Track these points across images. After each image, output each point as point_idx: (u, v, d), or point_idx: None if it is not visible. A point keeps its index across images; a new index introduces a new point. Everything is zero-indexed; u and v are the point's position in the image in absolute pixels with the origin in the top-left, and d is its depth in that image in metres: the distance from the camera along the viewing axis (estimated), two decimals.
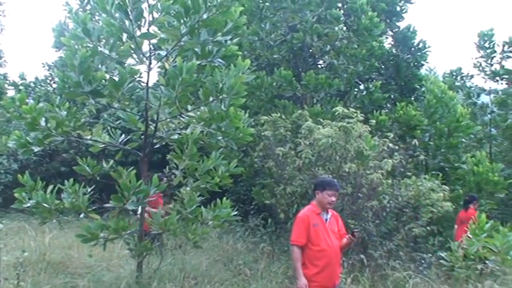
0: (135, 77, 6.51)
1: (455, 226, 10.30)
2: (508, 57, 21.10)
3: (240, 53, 6.95)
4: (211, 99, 6.42)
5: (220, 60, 6.70)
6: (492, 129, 21.09)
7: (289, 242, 5.46)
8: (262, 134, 9.80)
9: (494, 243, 7.08)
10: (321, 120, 9.54)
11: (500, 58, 21.30)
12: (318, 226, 5.39)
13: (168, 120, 7.08)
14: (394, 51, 15.13)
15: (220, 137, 6.87)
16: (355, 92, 13.62)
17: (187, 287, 6.83)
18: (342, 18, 12.65)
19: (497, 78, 20.93)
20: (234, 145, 7.17)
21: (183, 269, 7.56)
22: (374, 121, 10.47)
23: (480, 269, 6.98)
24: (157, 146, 7.38)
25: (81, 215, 6.45)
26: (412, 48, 15.02)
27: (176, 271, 7.37)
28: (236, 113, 6.80)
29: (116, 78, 6.23)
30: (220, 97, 6.38)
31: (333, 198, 5.49)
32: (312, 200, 5.67)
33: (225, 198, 7.20)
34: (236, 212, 7.48)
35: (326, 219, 5.54)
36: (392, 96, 14.84)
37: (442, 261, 7.66)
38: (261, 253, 9.13)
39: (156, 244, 9.39)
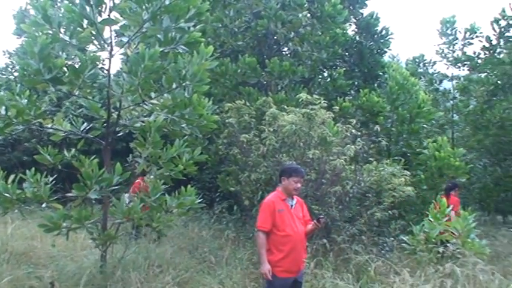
0: (97, 64, 6.43)
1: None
2: (470, 43, 21.46)
3: (204, 39, 6.90)
4: (174, 86, 6.38)
5: (184, 47, 6.64)
6: (454, 115, 21.47)
7: (255, 228, 5.48)
8: (227, 121, 9.78)
9: (455, 226, 7.24)
10: (285, 107, 9.55)
11: (462, 45, 21.69)
12: (284, 212, 5.44)
13: (131, 107, 7.01)
14: (358, 39, 15.26)
15: (184, 125, 6.82)
16: (319, 79, 13.69)
17: (151, 275, 6.80)
18: (305, 5, 12.67)
19: (459, 64, 21.29)
20: (198, 132, 7.13)
21: (147, 258, 7.52)
22: (338, 108, 10.55)
23: (441, 252, 7.10)
24: (120, 134, 7.31)
25: (44, 205, 6.35)
26: (375, 36, 15.17)
27: (141, 260, 7.32)
28: (200, 100, 6.77)
29: (77, 66, 6.14)
30: (184, 84, 6.35)
31: (299, 185, 5.56)
32: (278, 186, 5.70)
33: (189, 186, 7.19)
34: (201, 200, 7.48)
35: (291, 205, 5.59)
36: (356, 83, 14.97)
37: (404, 244, 7.79)
38: (226, 240, 9.13)
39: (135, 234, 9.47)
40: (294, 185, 5.51)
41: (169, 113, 6.60)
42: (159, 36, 6.48)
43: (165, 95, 6.58)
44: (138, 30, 6.38)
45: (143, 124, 6.73)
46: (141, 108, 7.02)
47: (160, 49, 6.27)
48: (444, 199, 10.01)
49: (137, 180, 9.17)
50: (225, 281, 6.85)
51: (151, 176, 6.79)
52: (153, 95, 6.65)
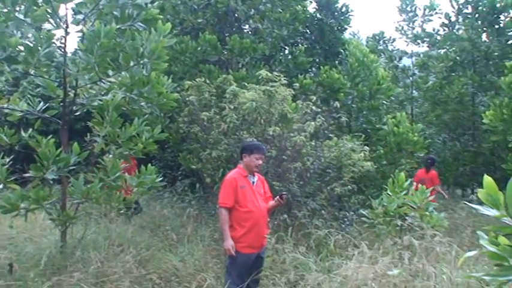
0: (53, 42, 6.31)
1: (414, 184, 10.79)
2: (429, 20, 21.73)
3: (161, 16, 6.81)
4: (132, 64, 6.31)
5: (141, 24, 6.56)
6: (413, 91, 21.75)
7: (217, 205, 5.51)
8: (187, 99, 9.71)
9: (413, 200, 7.38)
10: (246, 84, 9.53)
11: (422, 22, 21.94)
12: (245, 188, 5.52)
13: (88, 86, 6.91)
14: (318, 16, 15.24)
15: (143, 103, 6.76)
16: (280, 56, 13.65)
17: (112, 255, 6.76)
18: None
19: (419, 41, 21.57)
20: (158, 111, 7.09)
21: (108, 237, 7.48)
22: (298, 85, 10.59)
23: (400, 225, 7.24)
24: (78, 114, 7.20)
25: (1, 186, 6.25)
26: (336, 13, 15.17)
27: (101, 239, 7.28)
28: (159, 78, 6.72)
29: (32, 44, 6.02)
30: (141, 62, 6.28)
31: (260, 162, 5.68)
32: (239, 164, 5.75)
33: (150, 164, 7.16)
34: (163, 178, 7.46)
35: (253, 182, 5.68)
36: (316, 60, 14.99)
37: (363, 218, 7.92)
38: (188, 218, 9.13)
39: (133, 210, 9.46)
40: (256, 162, 5.61)
41: (127, 91, 6.52)
42: (115, 13, 6.38)
43: (123, 73, 6.50)
44: (94, 7, 6.28)
45: (101, 103, 6.64)
46: (98, 86, 6.93)
47: (117, 26, 6.18)
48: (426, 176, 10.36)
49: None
50: (186, 258, 6.87)
51: (110, 156, 6.72)
52: (110, 73, 6.57)
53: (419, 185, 7.72)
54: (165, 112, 10.09)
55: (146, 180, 6.85)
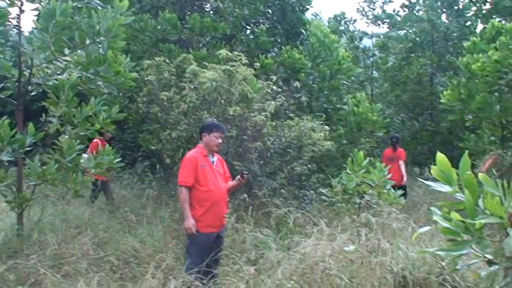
0: (8, 20, 6.16)
1: (383, 163, 10.96)
2: (390, 1, 21.92)
3: None
4: (88, 42, 6.19)
5: (98, 2, 6.44)
6: (374, 72, 21.95)
7: (177, 185, 5.48)
8: (146, 78, 9.59)
9: (371, 178, 7.47)
10: (206, 64, 9.46)
11: (382, 3, 22.05)
12: (206, 167, 5.52)
13: (44, 65, 6.75)
14: None
15: (100, 82, 6.65)
16: (242, 36, 13.57)
17: (69, 237, 6.69)
18: None
19: (379, 22, 21.69)
20: (116, 90, 6.98)
21: (65, 219, 7.40)
22: (259, 64, 10.55)
23: (358, 203, 7.34)
24: (34, 94, 7.04)
25: None
26: None
27: (58, 222, 7.19)
28: (116, 57, 6.61)
29: None
30: (98, 40, 6.17)
31: (220, 140, 5.69)
32: (199, 143, 5.72)
33: (108, 145, 7.07)
34: (123, 159, 7.39)
35: (213, 162, 5.70)
36: (278, 40, 14.94)
37: (323, 197, 7.99)
38: (147, 199, 9.08)
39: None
40: (216, 141, 5.61)
41: (83, 71, 6.40)
42: None
43: (79, 51, 6.38)
44: None
45: (56, 82, 6.50)
46: (54, 66, 6.77)
47: (73, 4, 6.05)
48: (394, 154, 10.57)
49: (95, 140, 9.10)
50: (145, 239, 6.83)
51: (66, 136, 6.60)
52: (66, 51, 6.43)
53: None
54: (123, 92, 9.97)
55: (104, 162, 6.75)
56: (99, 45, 6.25)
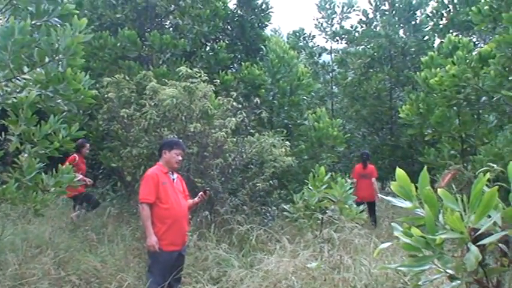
0: None
1: (354, 179, 11.46)
2: (348, 17, 22.23)
3: (78, 11, 6.62)
4: (47, 60, 6.12)
5: (57, 20, 6.37)
6: (333, 87, 22.20)
7: (138, 201, 5.44)
8: (106, 96, 9.52)
9: (333, 193, 7.53)
10: (166, 81, 9.45)
11: (340, 19, 22.36)
12: (167, 184, 5.52)
13: (3, 83, 6.65)
14: (239, 12, 15.28)
15: (59, 100, 6.57)
16: (202, 53, 13.58)
17: (29, 256, 6.59)
18: None
19: (337, 38, 21.97)
20: (75, 108, 6.90)
21: (25, 239, 7.28)
22: (219, 81, 10.58)
23: (320, 219, 7.39)
24: None
25: None
26: (256, 9, 15.22)
27: (18, 241, 7.07)
28: (75, 74, 6.55)
29: None
30: (57, 58, 6.11)
31: (180, 158, 5.71)
32: (159, 161, 5.72)
33: (68, 163, 6.98)
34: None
35: (173, 179, 5.67)
36: (238, 56, 15.02)
37: (285, 213, 8.02)
38: (108, 217, 8.99)
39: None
40: (176, 158, 5.63)
41: (42, 88, 6.32)
42: (30, 8, 6.18)
43: (38, 69, 6.30)
44: (8, 3, 6.07)
45: (15, 100, 6.40)
46: (13, 84, 6.68)
47: (32, 22, 5.99)
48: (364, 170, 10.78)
49: (72, 155, 9.19)
50: (107, 258, 6.76)
51: (26, 155, 6.50)
52: (25, 69, 6.35)
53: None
54: (83, 109, 9.86)
55: (63, 180, 6.66)
56: (59, 63, 6.18)
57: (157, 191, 5.43)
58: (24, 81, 6.37)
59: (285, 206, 8.14)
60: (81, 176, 9.42)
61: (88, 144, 10.18)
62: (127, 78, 9.88)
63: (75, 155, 9.27)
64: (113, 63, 12.01)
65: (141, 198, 5.43)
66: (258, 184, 8.85)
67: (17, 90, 6.59)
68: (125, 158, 9.28)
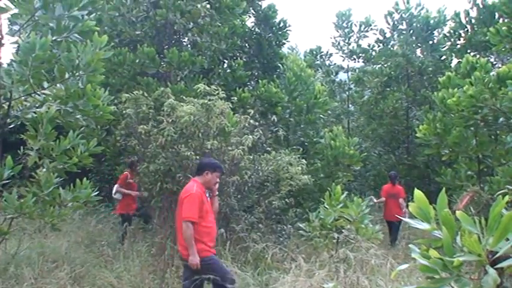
0: None
1: (383, 198, 11.88)
2: (365, 36, 22.25)
3: (98, 28, 6.71)
4: (67, 76, 6.20)
5: (77, 36, 6.46)
6: (350, 105, 22.19)
7: (184, 219, 5.45)
8: (124, 112, 9.59)
9: (349, 213, 7.50)
10: (184, 97, 9.50)
11: (357, 37, 22.40)
12: (206, 204, 5.65)
13: (23, 98, 6.74)
14: (257, 30, 15.38)
15: (79, 116, 6.65)
16: (219, 70, 13.67)
17: (45, 271, 6.62)
18: None
19: (354, 56, 22.01)
20: (94, 124, 6.98)
21: (42, 253, 7.32)
22: (236, 98, 10.63)
23: (336, 238, 7.36)
24: (12, 126, 7.01)
25: None
26: (274, 27, 15.34)
27: (34, 255, 7.12)
28: (95, 90, 6.63)
29: None
30: (77, 74, 6.19)
31: (218, 180, 5.98)
32: (196, 178, 5.81)
33: (85, 178, 7.03)
34: (99, 192, 7.35)
35: (208, 198, 5.84)
36: (255, 73, 15.10)
37: (301, 231, 7.99)
38: (124, 233, 9.02)
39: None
40: (215, 180, 5.87)
41: (62, 104, 6.40)
42: (51, 24, 6.27)
43: (58, 85, 6.38)
44: (30, 19, 6.15)
45: (35, 115, 6.49)
46: (33, 98, 6.77)
47: (53, 38, 6.08)
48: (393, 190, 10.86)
49: (125, 172, 9.35)
50: (122, 274, 6.78)
51: (44, 170, 6.56)
52: (45, 85, 6.43)
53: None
54: (101, 125, 9.94)
55: (81, 195, 6.71)
56: (78, 79, 6.26)
57: (201, 210, 5.52)
58: (44, 96, 6.46)
59: (300, 225, 8.11)
60: (136, 193, 9.63)
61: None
62: (145, 94, 9.94)
63: (126, 172, 9.44)
64: (131, 80, 12.12)
65: (187, 217, 5.44)
66: (273, 202, 8.84)
67: (37, 105, 6.69)
68: (142, 174, 9.32)
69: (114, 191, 10.07)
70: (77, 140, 6.61)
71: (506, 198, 2.60)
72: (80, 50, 6.08)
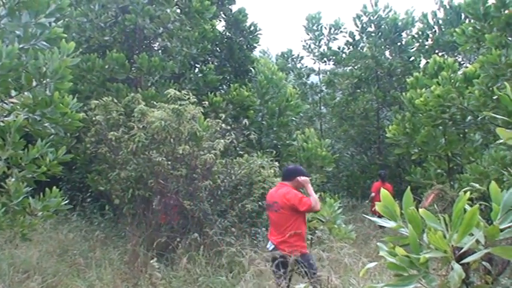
0: None
1: (373, 194, 12.51)
2: (335, 39, 22.37)
3: (66, 35, 6.65)
4: (34, 84, 6.13)
5: (45, 43, 6.39)
6: (322, 107, 22.33)
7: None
8: (94, 118, 9.50)
9: (322, 213, 7.55)
10: (155, 103, 9.47)
11: (328, 40, 22.51)
12: None
13: None
14: (228, 34, 15.41)
15: (47, 124, 6.57)
16: (190, 75, 13.64)
17: (16, 281, 6.53)
18: (174, 0, 12.57)
19: (325, 59, 22.13)
20: (62, 131, 6.90)
21: (12, 264, 7.22)
22: (208, 102, 10.62)
23: (310, 239, 7.39)
24: None
25: None
26: (244, 31, 15.39)
27: (5, 266, 7.01)
28: (63, 98, 6.56)
29: None
30: (44, 82, 6.12)
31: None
32: (288, 182, 6.41)
33: (55, 187, 6.95)
34: (70, 201, 7.27)
35: None
36: (226, 77, 15.12)
37: None
38: (96, 241, 8.94)
39: None
40: (303, 183, 6.42)
41: (30, 112, 6.32)
42: (18, 32, 6.20)
43: (26, 93, 6.31)
44: None
45: (2, 125, 6.39)
46: (0, 108, 6.67)
47: (20, 46, 6.01)
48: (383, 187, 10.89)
49: None
50: (95, 282, 6.72)
51: (13, 179, 6.47)
52: (13, 93, 6.35)
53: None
54: (71, 132, 9.84)
55: (51, 204, 6.63)
56: (46, 87, 6.19)
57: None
58: (12, 105, 6.37)
59: None
60: None
61: None
62: (115, 100, 9.88)
63: None
64: (101, 86, 12.01)
65: (312, 206, 6.07)
66: (247, 205, 8.83)
67: (4, 114, 6.58)
68: (113, 181, 9.25)
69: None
70: (45, 149, 6.51)
71: (468, 194, 2.64)
72: (47, 58, 6.01)
